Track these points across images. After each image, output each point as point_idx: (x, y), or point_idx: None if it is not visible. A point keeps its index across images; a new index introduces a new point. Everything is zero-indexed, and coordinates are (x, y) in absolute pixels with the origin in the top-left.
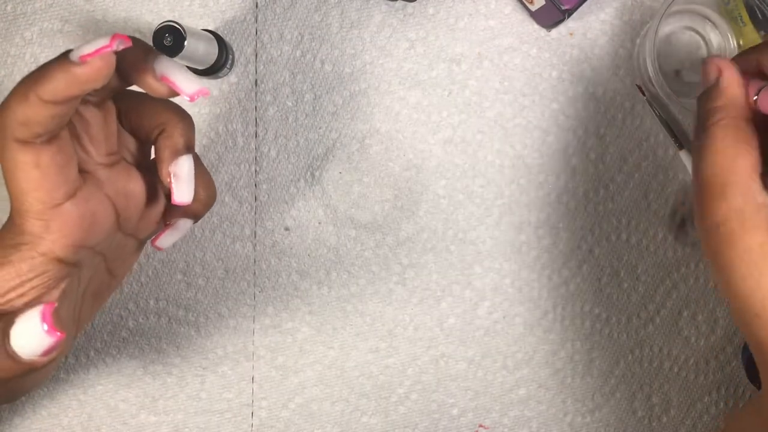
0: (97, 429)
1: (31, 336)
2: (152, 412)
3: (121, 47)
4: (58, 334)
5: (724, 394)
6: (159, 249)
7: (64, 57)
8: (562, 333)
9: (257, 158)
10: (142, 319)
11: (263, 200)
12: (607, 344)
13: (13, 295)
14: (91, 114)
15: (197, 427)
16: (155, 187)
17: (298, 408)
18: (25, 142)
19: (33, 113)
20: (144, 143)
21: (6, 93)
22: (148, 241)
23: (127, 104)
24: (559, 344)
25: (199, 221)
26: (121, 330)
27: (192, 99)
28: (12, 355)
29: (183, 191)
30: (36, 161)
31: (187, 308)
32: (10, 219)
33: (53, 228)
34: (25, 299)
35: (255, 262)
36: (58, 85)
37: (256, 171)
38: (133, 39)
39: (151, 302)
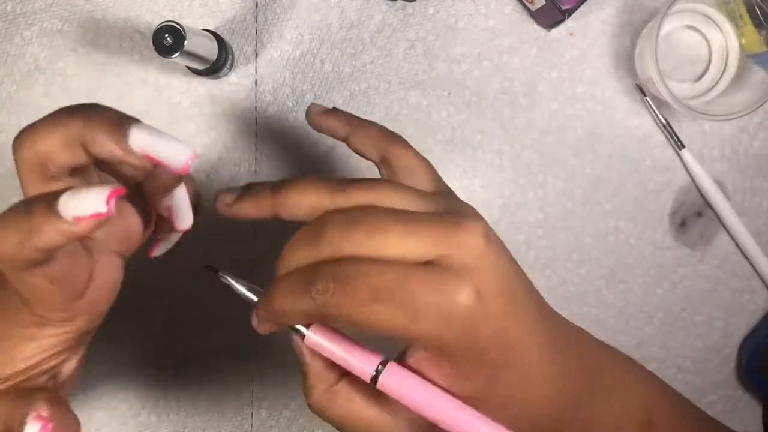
0: (97, 429)
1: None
2: (152, 412)
3: (119, 202)
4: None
5: (723, 394)
6: (153, 258)
7: (53, 212)
8: None
9: (257, 158)
10: (143, 319)
11: None
12: None
13: (42, 364)
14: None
15: (197, 427)
16: (146, 210)
17: (298, 408)
18: (32, 268)
19: (33, 256)
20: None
21: (5, 93)
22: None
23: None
24: None
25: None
26: (121, 330)
27: (183, 172)
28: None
29: (185, 219)
30: (49, 278)
31: (187, 308)
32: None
33: (78, 314)
34: (51, 364)
35: (255, 262)
36: (52, 239)
37: (256, 171)
38: (100, 111)
39: (152, 302)
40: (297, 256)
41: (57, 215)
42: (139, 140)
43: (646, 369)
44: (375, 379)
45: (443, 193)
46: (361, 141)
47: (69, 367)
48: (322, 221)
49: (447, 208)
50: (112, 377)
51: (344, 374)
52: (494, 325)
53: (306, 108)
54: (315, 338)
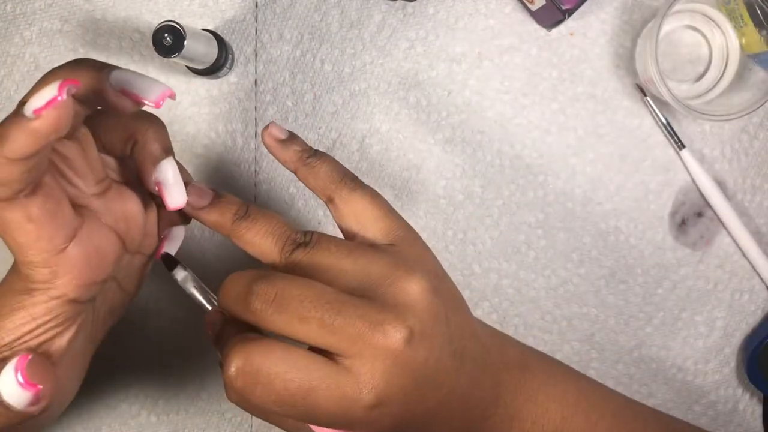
0: (97, 429)
1: (12, 387)
2: (152, 412)
3: (73, 92)
4: (34, 387)
5: (723, 395)
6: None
7: (20, 113)
8: (560, 334)
9: (257, 158)
10: (143, 319)
11: (263, 200)
12: (606, 345)
13: (28, 337)
14: (68, 148)
15: (197, 428)
16: (146, 197)
17: None
18: (9, 200)
19: (5, 174)
20: (122, 159)
21: (6, 93)
22: None
23: (92, 126)
24: (558, 345)
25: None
26: (121, 330)
27: (157, 105)
28: (4, 404)
29: (174, 196)
30: (27, 215)
31: (188, 309)
32: (17, 267)
33: (61, 273)
34: (40, 339)
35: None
36: (20, 144)
37: (256, 171)
38: (84, 61)
39: (151, 302)
40: (230, 305)
41: (21, 116)
42: (118, 76)
43: (569, 377)
44: None
45: (390, 245)
46: (307, 181)
47: (59, 345)
48: (252, 287)
49: (385, 283)
50: (112, 377)
51: None
52: (396, 419)
53: (269, 124)
54: None
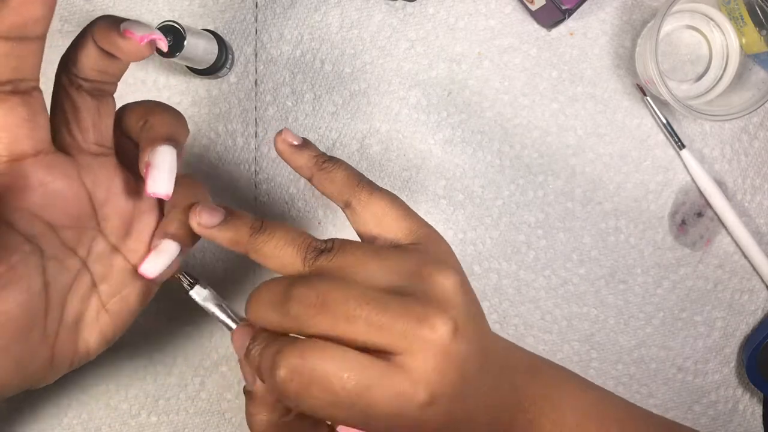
0: (97, 429)
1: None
2: (152, 413)
3: None
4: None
5: (723, 394)
6: (146, 277)
7: None
8: (560, 334)
9: (257, 158)
10: (142, 319)
11: (263, 200)
12: (606, 345)
13: None
14: (83, 100)
15: (197, 428)
16: (146, 195)
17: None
18: None
19: None
20: (137, 145)
21: None
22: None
23: (118, 112)
24: (558, 345)
25: None
26: None
27: (140, 41)
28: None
29: (157, 181)
30: None
31: (187, 308)
32: None
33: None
34: None
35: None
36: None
37: (256, 171)
38: (105, 16)
39: (151, 302)
40: (264, 315)
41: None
42: (126, 23)
43: (575, 382)
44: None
45: (414, 245)
46: (324, 186)
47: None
48: (290, 292)
49: (418, 279)
50: (112, 377)
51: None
52: (444, 419)
53: (282, 129)
54: None
